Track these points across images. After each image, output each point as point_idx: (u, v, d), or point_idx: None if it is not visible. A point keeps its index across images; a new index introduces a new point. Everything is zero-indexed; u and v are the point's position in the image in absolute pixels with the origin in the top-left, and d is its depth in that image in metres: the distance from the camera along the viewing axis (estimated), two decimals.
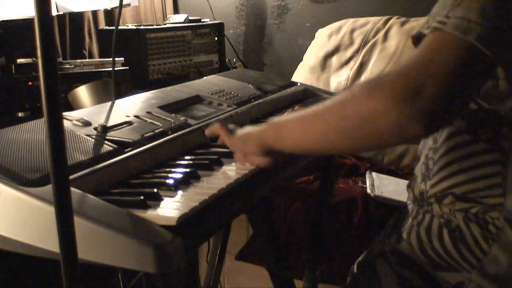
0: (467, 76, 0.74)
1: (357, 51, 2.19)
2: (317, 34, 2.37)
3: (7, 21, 1.61)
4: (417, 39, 0.81)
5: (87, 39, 2.28)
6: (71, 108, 1.38)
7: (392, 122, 0.73)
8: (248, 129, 0.98)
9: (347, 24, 2.30)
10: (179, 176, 0.87)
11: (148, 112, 1.12)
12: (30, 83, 1.49)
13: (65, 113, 1.01)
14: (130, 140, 0.97)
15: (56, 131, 0.55)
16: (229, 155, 1.00)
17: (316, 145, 0.87)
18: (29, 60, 1.57)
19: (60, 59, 1.94)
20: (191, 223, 0.73)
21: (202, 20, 2.17)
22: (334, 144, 0.84)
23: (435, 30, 0.76)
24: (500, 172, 0.87)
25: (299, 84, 1.73)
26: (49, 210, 0.69)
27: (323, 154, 1.45)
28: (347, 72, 2.15)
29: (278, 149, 0.92)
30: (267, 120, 1.33)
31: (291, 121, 0.90)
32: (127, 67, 1.70)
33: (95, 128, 0.98)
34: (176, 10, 2.82)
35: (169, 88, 1.38)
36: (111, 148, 0.92)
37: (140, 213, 0.73)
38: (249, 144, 0.95)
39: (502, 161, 0.87)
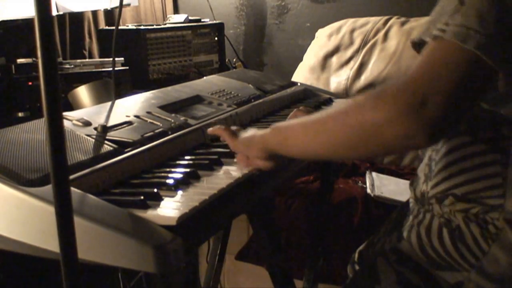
0: (470, 86, 0.73)
1: (357, 51, 2.19)
2: (317, 34, 2.37)
3: (7, 21, 1.61)
4: (417, 45, 0.81)
5: (87, 39, 2.28)
6: (71, 108, 1.38)
7: (396, 134, 0.74)
8: (251, 132, 0.98)
9: (347, 24, 2.30)
10: (179, 176, 0.87)
11: (148, 112, 1.13)
12: (30, 83, 1.49)
13: (65, 113, 1.01)
14: (130, 140, 0.97)
15: (56, 131, 0.55)
16: (229, 155, 1.00)
17: (319, 152, 0.87)
18: (29, 60, 1.57)
19: (60, 59, 1.93)
20: (191, 223, 0.73)
21: (202, 20, 2.17)
22: (337, 152, 0.85)
23: (435, 38, 0.75)
24: (500, 173, 0.87)
25: (299, 84, 1.73)
26: (49, 210, 0.69)
27: (327, 160, 1.47)
28: (347, 72, 2.15)
29: (282, 154, 0.92)
30: (268, 119, 1.34)
31: (296, 126, 0.90)
32: (127, 67, 1.70)
33: (95, 128, 0.98)
34: (176, 10, 2.82)
35: (169, 88, 1.38)
36: (111, 148, 0.93)
37: (140, 213, 0.73)
38: (252, 147, 0.95)
39: (502, 161, 0.87)
